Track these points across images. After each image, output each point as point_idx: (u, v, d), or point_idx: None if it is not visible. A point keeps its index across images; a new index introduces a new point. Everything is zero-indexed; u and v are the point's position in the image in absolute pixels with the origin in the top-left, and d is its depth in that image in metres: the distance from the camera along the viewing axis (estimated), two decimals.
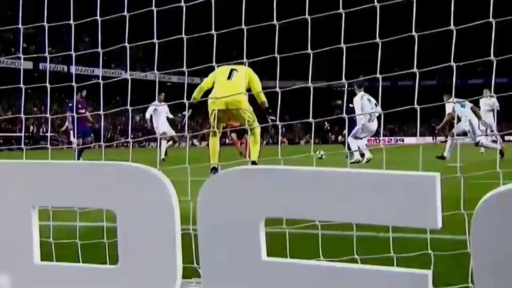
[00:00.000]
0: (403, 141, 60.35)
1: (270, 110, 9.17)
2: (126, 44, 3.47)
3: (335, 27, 2.82)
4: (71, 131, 15.82)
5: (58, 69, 48.13)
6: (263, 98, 8.86)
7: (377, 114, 13.59)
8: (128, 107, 3.14)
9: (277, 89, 2.96)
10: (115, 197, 1.74)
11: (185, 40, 3.21)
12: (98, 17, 3.29)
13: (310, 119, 3.08)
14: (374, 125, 14.63)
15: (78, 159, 13.75)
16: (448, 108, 15.08)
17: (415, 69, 2.79)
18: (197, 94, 9.09)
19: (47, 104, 3.67)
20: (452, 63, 2.66)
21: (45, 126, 48.05)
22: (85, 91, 15.15)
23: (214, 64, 3.15)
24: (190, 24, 3.14)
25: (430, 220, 1.50)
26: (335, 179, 1.57)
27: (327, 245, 3.01)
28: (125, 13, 3.40)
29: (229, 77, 8.78)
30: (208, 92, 9.10)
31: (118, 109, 3.32)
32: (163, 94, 16.36)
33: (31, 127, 45.42)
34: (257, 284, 1.62)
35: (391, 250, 2.83)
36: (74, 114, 15.13)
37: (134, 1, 3.42)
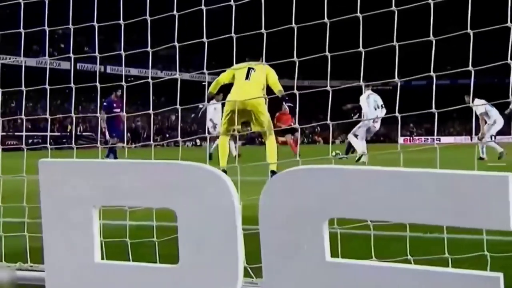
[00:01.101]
0: (439, 140, 59.46)
1: (286, 98, 8.89)
2: (176, 43, 3.49)
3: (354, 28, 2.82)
4: (106, 130, 15.77)
5: (95, 68, 48.84)
6: (279, 87, 8.56)
7: (381, 116, 13.52)
8: (178, 106, 3.16)
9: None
10: (176, 196, 1.73)
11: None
12: (148, 17, 3.33)
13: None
14: (377, 126, 14.56)
15: (108, 157, 13.85)
16: (480, 109, 14.85)
17: (470, 67, 2.74)
18: (213, 88, 8.92)
19: (86, 103, 3.73)
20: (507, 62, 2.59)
21: (83, 125, 48.80)
22: (120, 90, 15.10)
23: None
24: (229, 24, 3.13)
25: (501, 221, 1.46)
26: (401, 178, 1.54)
27: (375, 245, 2.97)
28: (175, 12, 3.43)
29: (247, 77, 8.59)
30: (224, 86, 8.96)
31: (167, 108, 3.34)
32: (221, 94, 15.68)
33: (69, 126, 46.18)
34: (320, 285, 1.59)
35: (445, 251, 2.78)
36: (98, 114, 15.11)
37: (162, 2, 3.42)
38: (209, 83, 8.93)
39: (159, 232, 3.20)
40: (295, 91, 3.05)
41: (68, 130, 45.49)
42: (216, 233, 1.69)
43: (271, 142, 8.69)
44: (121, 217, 3.55)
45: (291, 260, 1.61)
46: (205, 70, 3.31)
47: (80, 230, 1.82)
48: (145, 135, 50.47)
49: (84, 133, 45.89)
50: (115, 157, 14.38)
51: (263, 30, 3.01)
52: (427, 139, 59.92)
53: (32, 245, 3.32)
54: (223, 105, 9.84)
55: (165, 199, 1.77)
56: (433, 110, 2.78)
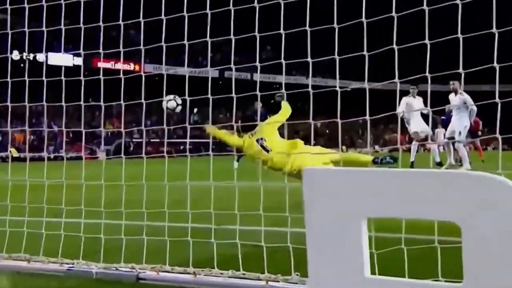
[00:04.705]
0: None
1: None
2: (336, 56, 3.39)
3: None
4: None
5: (242, 77, 50.11)
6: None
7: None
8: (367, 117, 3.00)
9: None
10: (459, 208, 1.57)
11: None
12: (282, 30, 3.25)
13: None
14: None
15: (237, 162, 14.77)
16: None
17: None
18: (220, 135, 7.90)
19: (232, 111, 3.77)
20: None
21: (231, 132, 50.18)
22: (261, 103, 15.62)
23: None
24: None
25: None
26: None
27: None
28: (335, 24, 3.34)
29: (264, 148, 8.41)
30: None
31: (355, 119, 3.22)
32: (416, 88, 14.29)
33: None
34: None
35: None
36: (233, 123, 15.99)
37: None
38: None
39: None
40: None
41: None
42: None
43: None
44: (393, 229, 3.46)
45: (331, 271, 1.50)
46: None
47: (348, 242, 1.72)
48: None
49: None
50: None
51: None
52: None
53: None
54: None
55: (445, 211, 1.61)
56: None
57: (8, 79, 4.34)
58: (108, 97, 4.09)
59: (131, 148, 36.38)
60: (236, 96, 3.77)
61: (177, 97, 5.63)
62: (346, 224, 1.72)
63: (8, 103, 4.40)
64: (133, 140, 38.53)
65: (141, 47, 4.14)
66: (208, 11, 3.75)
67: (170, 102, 5.71)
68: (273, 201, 3.27)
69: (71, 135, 31.90)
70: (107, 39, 4.14)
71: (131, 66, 29.81)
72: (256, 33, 3.68)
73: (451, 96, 13.59)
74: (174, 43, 3.97)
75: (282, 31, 3.57)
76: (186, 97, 4.06)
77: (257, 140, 8.26)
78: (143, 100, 4.15)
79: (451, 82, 13.38)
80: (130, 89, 4.22)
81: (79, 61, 32.83)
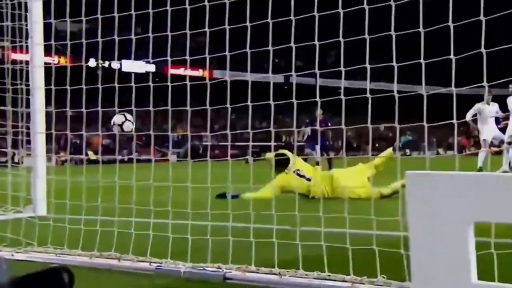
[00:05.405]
0: None
1: None
2: (422, 61, 3.37)
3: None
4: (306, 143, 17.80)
5: (306, 82, 50.10)
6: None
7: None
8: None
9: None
10: None
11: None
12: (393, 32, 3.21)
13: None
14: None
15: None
16: None
17: None
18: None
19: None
20: None
21: (288, 136, 50.47)
22: (321, 110, 16.25)
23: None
24: None
25: None
26: None
27: None
28: (420, 28, 3.32)
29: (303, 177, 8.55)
30: None
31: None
32: (492, 92, 13.94)
33: (283, 137, 48.01)
34: None
35: None
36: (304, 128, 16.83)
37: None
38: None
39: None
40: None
41: (283, 140, 47.29)
42: None
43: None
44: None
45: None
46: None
47: (454, 248, 1.71)
48: (355, 145, 50.42)
49: (299, 143, 47.24)
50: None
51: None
52: None
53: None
54: None
55: None
56: None
57: (83, 85, 4.60)
58: (179, 102, 4.28)
59: (201, 151, 37.09)
60: (297, 102, 3.88)
61: (126, 114, 5.71)
62: (452, 229, 1.71)
63: (99, 108, 4.65)
64: (203, 143, 39.30)
65: (206, 55, 4.31)
66: (269, 20, 3.88)
67: (126, 123, 5.76)
68: (355, 204, 3.28)
69: (143, 139, 32.81)
70: (178, 47, 4.34)
71: (200, 72, 30.44)
72: (316, 42, 3.74)
73: (509, 100, 13.34)
74: (238, 51, 4.12)
75: (341, 38, 3.64)
76: (248, 102, 4.09)
77: (294, 172, 8.42)
78: (207, 106, 4.29)
79: (510, 86, 13.13)
80: (199, 94, 4.37)
81: (151, 67, 33.86)
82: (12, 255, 4.26)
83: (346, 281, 3.28)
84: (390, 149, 9.24)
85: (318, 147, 17.39)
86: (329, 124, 17.11)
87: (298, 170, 8.68)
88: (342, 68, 3.74)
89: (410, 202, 1.79)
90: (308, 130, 18.19)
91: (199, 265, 3.68)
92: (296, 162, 8.89)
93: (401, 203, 3.38)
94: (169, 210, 4.15)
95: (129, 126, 5.79)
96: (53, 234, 4.50)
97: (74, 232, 4.40)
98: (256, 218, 3.90)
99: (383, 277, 3.19)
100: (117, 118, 5.68)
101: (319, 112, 16.21)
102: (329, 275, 3.35)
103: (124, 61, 32.07)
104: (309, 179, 8.82)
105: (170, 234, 3.99)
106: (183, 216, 4.18)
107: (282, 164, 8.49)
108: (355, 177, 8.92)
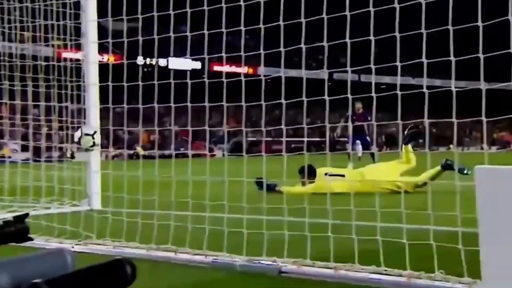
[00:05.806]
0: None
1: None
2: (451, 58, 3.34)
3: None
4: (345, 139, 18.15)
5: (350, 78, 49.68)
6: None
7: None
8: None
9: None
10: None
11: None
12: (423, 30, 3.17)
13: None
14: None
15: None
16: None
17: None
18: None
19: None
20: None
21: (331, 133, 50.22)
22: (360, 103, 16.15)
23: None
24: None
25: None
26: None
27: None
28: (449, 25, 3.29)
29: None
30: None
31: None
32: None
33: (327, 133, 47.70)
34: None
35: None
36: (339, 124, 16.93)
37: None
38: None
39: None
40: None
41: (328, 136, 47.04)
42: None
43: None
44: None
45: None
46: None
47: None
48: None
49: (341, 139, 46.97)
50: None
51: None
52: None
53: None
54: None
55: None
56: None
57: (140, 82, 4.71)
58: (226, 98, 4.36)
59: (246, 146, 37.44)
60: (338, 98, 3.93)
61: (85, 127, 5.72)
62: None
63: (155, 104, 4.76)
64: (248, 139, 39.66)
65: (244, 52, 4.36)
66: (324, 15, 3.91)
67: (83, 139, 5.79)
68: (413, 198, 3.25)
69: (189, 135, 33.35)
70: (226, 44, 4.42)
71: (245, 69, 30.82)
72: (347, 40, 3.74)
73: None
74: (289, 47, 4.16)
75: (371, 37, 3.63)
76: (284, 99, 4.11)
77: (326, 174, 8.40)
78: (243, 103, 4.40)
79: None
80: (245, 91, 4.44)
81: (197, 65, 34.35)
82: (72, 247, 4.39)
83: (402, 276, 3.27)
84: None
85: (358, 142, 17.42)
86: (369, 119, 16.82)
87: (328, 172, 8.66)
88: (398, 63, 3.74)
89: (480, 198, 1.80)
90: (341, 125, 18.59)
91: (254, 259, 3.72)
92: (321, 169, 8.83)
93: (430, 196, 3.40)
94: (225, 204, 4.20)
95: (88, 141, 5.93)
96: (111, 227, 4.63)
97: (132, 225, 4.51)
98: (311, 212, 3.93)
99: (441, 272, 3.17)
100: (76, 134, 5.85)
101: (358, 105, 16.21)
102: (385, 270, 3.34)
103: (170, 59, 32.54)
104: (343, 175, 8.91)
105: (226, 228, 4.05)
106: (238, 210, 4.24)
107: (310, 174, 8.43)
108: (387, 173, 9.16)
